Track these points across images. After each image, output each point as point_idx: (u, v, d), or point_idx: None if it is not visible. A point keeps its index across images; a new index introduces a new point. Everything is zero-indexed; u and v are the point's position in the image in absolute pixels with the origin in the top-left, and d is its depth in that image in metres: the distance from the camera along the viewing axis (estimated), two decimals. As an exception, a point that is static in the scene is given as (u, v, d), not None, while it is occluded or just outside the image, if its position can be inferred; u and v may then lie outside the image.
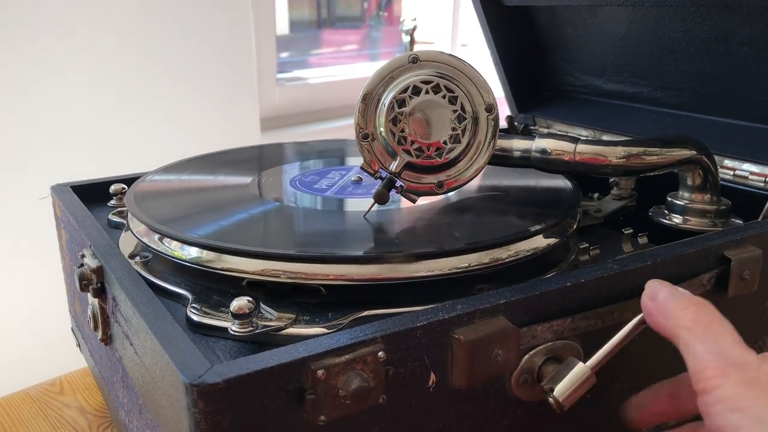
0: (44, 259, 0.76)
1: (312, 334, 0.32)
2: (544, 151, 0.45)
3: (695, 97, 0.60)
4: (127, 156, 0.89)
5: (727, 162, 0.54)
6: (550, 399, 0.32)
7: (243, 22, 1.00)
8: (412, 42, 1.50)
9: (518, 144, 0.46)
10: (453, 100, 0.41)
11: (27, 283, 0.82)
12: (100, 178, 0.56)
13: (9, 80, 0.78)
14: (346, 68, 1.42)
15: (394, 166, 0.41)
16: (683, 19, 0.56)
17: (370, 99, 0.42)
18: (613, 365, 0.34)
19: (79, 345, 0.55)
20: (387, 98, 0.41)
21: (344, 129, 1.23)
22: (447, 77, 0.41)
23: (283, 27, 1.37)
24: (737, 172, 0.54)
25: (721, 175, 0.51)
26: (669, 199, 0.49)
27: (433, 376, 0.31)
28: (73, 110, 0.84)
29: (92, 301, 0.40)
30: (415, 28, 1.50)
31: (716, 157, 0.49)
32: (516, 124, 0.74)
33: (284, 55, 1.34)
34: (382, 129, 0.41)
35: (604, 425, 0.38)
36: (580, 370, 0.32)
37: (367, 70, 1.43)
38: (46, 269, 0.73)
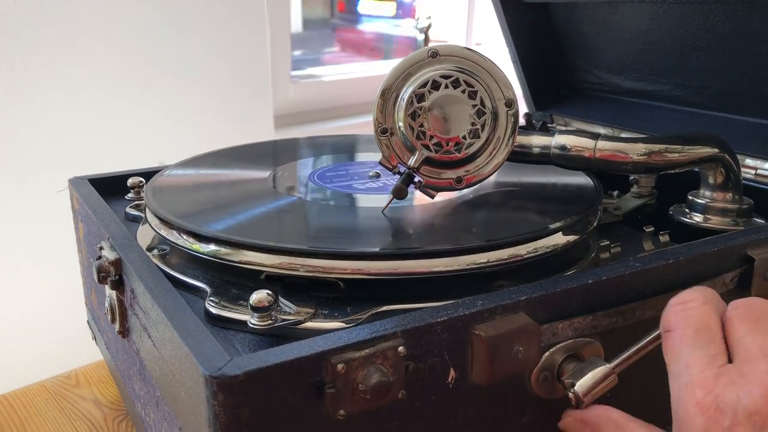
0: (60, 251, 0.76)
1: (331, 329, 0.32)
2: (563, 148, 0.45)
3: (717, 95, 0.59)
4: (142, 152, 0.90)
5: (749, 161, 0.54)
6: (570, 393, 0.32)
7: (258, 19, 1.01)
8: (426, 40, 1.50)
9: (538, 140, 0.46)
10: (472, 95, 0.41)
11: (43, 275, 0.82)
12: (117, 172, 0.56)
13: (27, 75, 0.79)
14: (359, 66, 1.41)
15: (412, 161, 0.41)
16: (705, 15, 0.56)
17: (388, 94, 0.41)
18: (635, 367, 0.33)
19: (95, 338, 0.55)
20: (406, 93, 0.41)
21: (358, 127, 1.22)
22: (467, 72, 0.41)
23: (296, 25, 1.37)
24: (759, 171, 0.53)
25: (742, 174, 0.50)
26: (690, 197, 0.49)
27: (452, 372, 0.30)
28: (91, 106, 0.84)
29: (110, 293, 0.40)
30: (429, 26, 1.50)
31: (738, 156, 0.49)
32: (534, 121, 0.74)
33: (297, 53, 1.34)
34: (400, 124, 0.41)
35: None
36: (603, 369, 0.32)
37: (380, 68, 1.43)
38: (62, 262, 0.73)
